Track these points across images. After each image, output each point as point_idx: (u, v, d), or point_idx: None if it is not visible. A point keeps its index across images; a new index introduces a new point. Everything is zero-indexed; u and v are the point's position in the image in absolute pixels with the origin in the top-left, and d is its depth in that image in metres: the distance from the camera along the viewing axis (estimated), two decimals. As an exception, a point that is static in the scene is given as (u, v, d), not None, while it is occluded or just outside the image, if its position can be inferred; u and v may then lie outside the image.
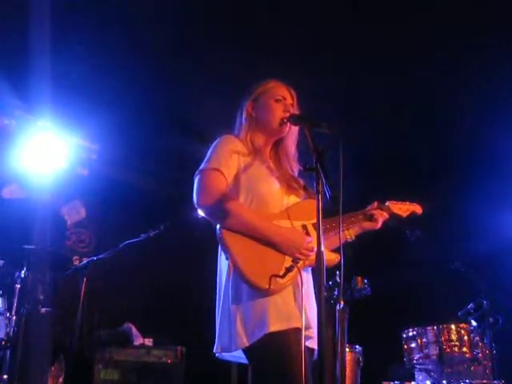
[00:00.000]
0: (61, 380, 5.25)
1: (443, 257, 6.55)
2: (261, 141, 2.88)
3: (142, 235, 4.96)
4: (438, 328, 4.97)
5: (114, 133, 5.96)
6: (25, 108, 5.69)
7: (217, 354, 2.61)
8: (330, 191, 2.29)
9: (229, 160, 2.71)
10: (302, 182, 2.92)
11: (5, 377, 4.58)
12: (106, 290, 6.11)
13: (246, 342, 2.46)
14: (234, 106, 3.02)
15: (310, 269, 2.76)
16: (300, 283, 2.58)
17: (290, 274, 2.55)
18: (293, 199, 2.82)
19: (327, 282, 4.24)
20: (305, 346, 2.47)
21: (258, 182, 2.74)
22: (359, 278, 4.52)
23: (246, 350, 2.50)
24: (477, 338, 4.97)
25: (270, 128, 2.88)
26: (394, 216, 3.20)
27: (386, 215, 3.07)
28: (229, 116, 3.02)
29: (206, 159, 2.74)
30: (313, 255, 2.59)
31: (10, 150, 5.77)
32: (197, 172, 2.71)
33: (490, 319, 5.11)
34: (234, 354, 2.57)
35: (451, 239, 6.98)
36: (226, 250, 2.57)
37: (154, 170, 6.69)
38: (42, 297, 5.09)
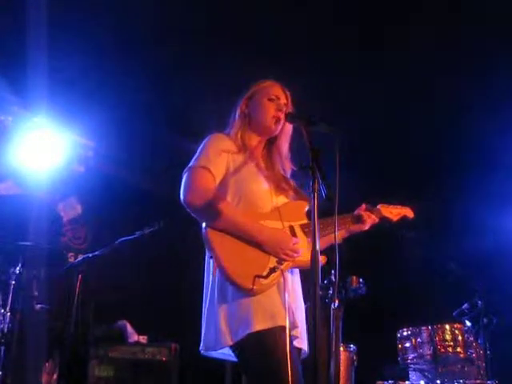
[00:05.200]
0: (55, 376, 5.24)
1: (438, 257, 6.57)
2: (252, 139, 2.89)
3: (138, 232, 4.96)
4: (432, 328, 4.98)
5: (110, 130, 5.95)
6: (21, 104, 5.68)
7: (202, 352, 2.62)
8: (325, 190, 2.29)
9: (218, 158, 2.71)
10: (292, 182, 2.92)
11: (-1, 373, 4.58)
12: (101, 286, 6.10)
13: (229, 341, 2.47)
14: (232, 104, 3.02)
15: (297, 270, 2.76)
16: (284, 284, 2.58)
17: (274, 275, 2.55)
18: (282, 199, 2.81)
19: (322, 281, 4.25)
20: (292, 345, 2.49)
21: (246, 182, 2.74)
22: (354, 278, 4.52)
23: (232, 349, 2.51)
24: (471, 339, 4.99)
25: (261, 126, 2.88)
26: (384, 219, 3.18)
27: (374, 218, 3.05)
28: (227, 114, 3.02)
29: (195, 157, 2.74)
30: (298, 256, 2.63)
31: (6, 147, 5.76)
32: (185, 169, 2.71)
33: (485, 320, 5.12)
34: (221, 351, 2.57)
35: (446, 240, 6.99)
36: (211, 250, 2.58)
37: (150, 167, 6.68)
38: (36, 293, 5.09)
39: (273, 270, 2.55)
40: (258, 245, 2.59)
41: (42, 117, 5.76)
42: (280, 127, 2.89)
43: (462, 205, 6.49)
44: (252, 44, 5.03)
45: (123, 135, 6.10)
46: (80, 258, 5.04)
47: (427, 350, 4.95)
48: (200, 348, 2.60)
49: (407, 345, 5.13)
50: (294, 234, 2.71)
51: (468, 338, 4.98)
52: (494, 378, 4.81)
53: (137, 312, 6.17)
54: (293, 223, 2.75)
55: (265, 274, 2.53)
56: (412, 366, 5.12)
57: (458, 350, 4.92)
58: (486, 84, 5.42)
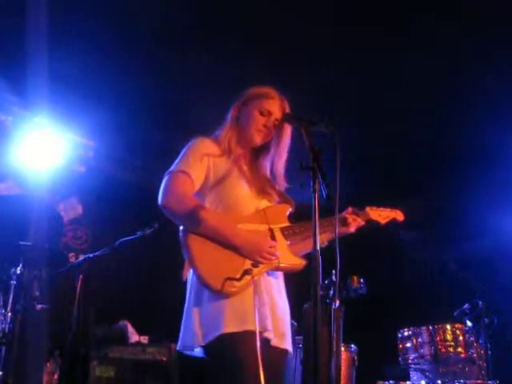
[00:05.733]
0: (56, 377, 5.24)
1: (439, 257, 6.57)
2: (238, 143, 2.89)
3: (139, 232, 4.96)
4: (433, 328, 4.98)
5: (111, 130, 5.95)
6: (21, 104, 5.67)
7: (179, 350, 2.66)
8: (326, 190, 2.30)
9: (198, 163, 2.74)
10: (278, 187, 2.93)
11: (0, 373, 4.58)
12: (101, 287, 6.10)
13: (201, 342, 2.51)
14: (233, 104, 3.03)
15: (279, 273, 2.77)
16: (259, 287, 2.60)
17: (248, 277, 2.56)
18: (264, 203, 2.82)
19: (323, 281, 4.24)
20: (269, 348, 2.53)
21: (227, 185, 2.76)
22: (355, 278, 4.52)
23: (203, 350, 2.56)
24: (472, 339, 4.99)
25: (246, 135, 2.88)
26: (372, 222, 3.16)
27: (360, 221, 3.02)
28: (227, 113, 3.02)
29: (176, 161, 2.78)
30: (275, 259, 2.64)
31: (6, 147, 5.76)
32: (166, 173, 2.75)
33: (486, 320, 5.12)
34: (199, 351, 2.62)
35: (447, 240, 6.99)
36: (186, 252, 2.61)
37: (151, 168, 6.68)
38: (37, 293, 5.09)
39: (246, 273, 2.56)
40: (233, 248, 2.60)
41: (43, 117, 5.76)
42: (262, 141, 2.89)
43: (463, 205, 6.50)
44: (252, 43, 5.03)
45: (124, 135, 6.10)
46: (81, 258, 5.05)
47: (428, 350, 4.95)
48: (177, 347, 2.65)
49: (408, 345, 5.13)
50: (273, 237, 2.72)
51: (469, 338, 4.98)
52: (495, 378, 4.80)
53: (137, 312, 6.17)
54: (273, 226, 2.76)
55: (238, 276, 2.54)
56: (413, 366, 5.12)
57: (459, 350, 4.92)
58: (486, 82, 5.41)
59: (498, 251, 6.52)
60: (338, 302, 4.34)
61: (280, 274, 2.79)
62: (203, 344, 2.51)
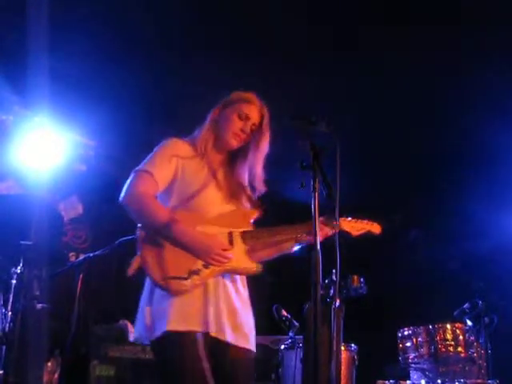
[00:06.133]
0: (56, 376, 5.25)
1: (439, 256, 6.57)
2: (214, 146, 2.91)
3: (139, 232, 4.95)
4: (433, 327, 4.98)
5: (111, 129, 5.95)
6: (22, 104, 5.68)
7: (132, 341, 2.75)
8: (326, 190, 2.30)
9: (165, 163, 2.77)
10: (250, 193, 2.95)
11: (0, 372, 4.58)
12: (102, 286, 6.10)
13: (150, 336, 2.59)
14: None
15: (237, 276, 2.79)
16: (212, 288, 2.64)
17: (196, 278, 2.59)
18: (230, 208, 2.84)
19: (323, 281, 4.24)
20: (228, 345, 2.59)
21: (194, 187, 2.78)
22: (355, 277, 4.53)
23: (150, 345, 2.65)
24: (472, 338, 4.99)
25: (222, 138, 2.90)
26: (343, 233, 3.14)
27: (327, 231, 2.95)
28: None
29: (144, 160, 2.81)
30: (227, 262, 2.66)
31: (6, 146, 5.76)
32: (132, 172, 2.80)
33: (486, 319, 5.12)
34: None
35: (447, 239, 6.99)
36: (139, 249, 2.69)
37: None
38: (37, 293, 5.09)
39: (194, 273, 2.60)
40: (184, 248, 2.63)
41: (43, 116, 5.76)
42: (238, 145, 2.90)
43: (464, 204, 6.49)
44: (252, 43, 5.03)
45: (124, 134, 6.10)
46: (81, 257, 5.05)
47: (428, 350, 4.95)
48: (132, 338, 2.74)
49: (408, 344, 5.13)
50: (230, 241, 2.74)
51: (469, 338, 4.98)
52: (495, 377, 4.80)
53: (137, 312, 6.16)
54: (233, 230, 2.78)
55: (184, 275, 2.58)
56: (413, 365, 5.12)
57: (459, 349, 4.93)
58: (487, 81, 5.41)
59: (499, 251, 6.51)
60: (338, 301, 4.36)
61: (239, 277, 2.81)
62: (151, 339, 2.58)
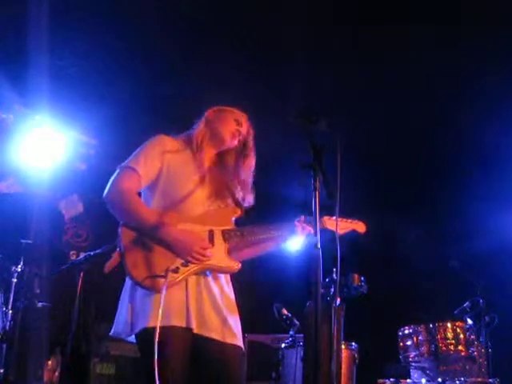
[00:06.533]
0: (57, 374, 5.25)
1: (440, 255, 6.57)
2: (207, 142, 2.96)
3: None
4: (433, 326, 4.98)
5: (112, 127, 5.95)
6: (23, 102, 5.68)
7: (112, 335, 2.76)
8: (327, 189, 2.30)
9: (149, 160, 2.82)
10: (236, 193, 2.98)
11: (1, 371, 4.58)
12: (102, 284, 6.09)
13: (130, 332, 2.63)
14: (234, 102, 3.10)
15: (221, 275, 2.80)
16: (190, 285, 2.66)
17: (174, 275, 2.60)
18: (214, 205, 2.86)
19: (324, 280, 4.24)
20: (213, 341, 2.61)
21: (179, 184, 2.81)
22: (356, 276, 4.53)
23: (135, 338, 2.66)
24: (472, 337, 4.99)
25: (219, 135, 2.97)
26: (327, 232, 3.15)
27: (310, 230, 2.96)
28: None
29: (129, 157, 2.87)
30: (206, 260, 2.67)
31: (7, 144, 5.76)
32: (117, 167, 2.84)
33: (486, 318, 5.12)
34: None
35: (448, 238, 6.99)
36: (119, 245, 2.68)
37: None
38: (38, 291, 5.10)
39: (172, 271, 2.60)
40: (164, 245, 2.65)
41: (44, 115, 5.76)
42: (234, 143, 2.99)
43: (465, 203, 6.49)
44: (252, 43, 5.03)
45: (125, 133, 6.10)
46: (82, 255, 5.05)
47: (429, 348, 4.96)
48: (111, 332, 2.74)
49: (408, 343, 5.13)
50: (211, 239, 2.75)
51: (469, 336, 4.98)
52: (496, 376, 4.81)
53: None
54: (215, 228, 2.79)
55: (161, 273, 2.59)
56: (413, 364, 5.12)
57: (460, 348, 4.93)
58: (488, 81, 5.41)
59: (500, 249, 6.52)
60: (338, 300, 4.37)
61: (223, 275, 2.83)
62: (131, 334, 2.62)
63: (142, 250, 2.64)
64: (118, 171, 2.82)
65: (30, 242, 5.06)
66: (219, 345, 2.64)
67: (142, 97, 5.70)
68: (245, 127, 3.02)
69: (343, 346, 4.67)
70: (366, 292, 4.57)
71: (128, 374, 5.28)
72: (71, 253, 6.00)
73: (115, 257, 2.72)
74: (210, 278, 2.74)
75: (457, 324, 5.02)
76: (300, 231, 2.99)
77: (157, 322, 2.50)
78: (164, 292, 2.54)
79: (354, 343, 4.93)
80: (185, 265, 2.64)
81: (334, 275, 4.33)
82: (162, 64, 5.35)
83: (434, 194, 6.89)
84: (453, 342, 4.94)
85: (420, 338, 5.03)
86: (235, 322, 2.76)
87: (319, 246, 2.31)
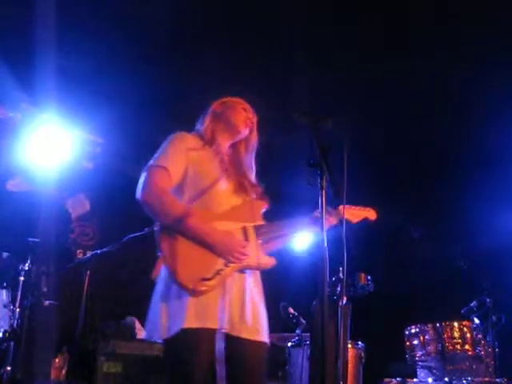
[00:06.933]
0: (64, 372, 5.27)
1: (447, 255, 6.56)
2: (220, 134, 2.96)
3: (146, 229, 4.97)
4: (440, 325, 4.97)
5: (119, 126, 5.96)
6: (30, 101, 5.69)
7: (145, 338, 2.73)
8: (334, 188, 2.31)
9: (177, 158, 2.78)
10: (256, 183, 2.99)
11: (8, 368, 4.60)
12: (109, 283, 6.12)
13: (164, 335, 2.56)
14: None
15: (250, 271, 2.79)
16: (236, 285, 2.66)
17: (219, 277, 2.59)
18: (240, 200, 2.86)
19: (330, 279, 4.24)
20: (244, 340, 2.60)
21: (206, 180, 2.78)
22: (362, 275, 4.53)
23: (164, 343, 2.61)
24: (479, 336, 4.98)
25: (232, 126, 2.98)
26: (343, 221, 3.16)
27: (332, 220, 3.00)
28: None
29: (155, 156, 2.80)
30: (246, 259, 2.67)
31: (14, 143, 5.78)
32: (144, 168, 2.78)
33: (493, 317, 5.11)
34: None
35: (455, 237, 6.97)
36: (160, 249, 2.63)
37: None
38: (45, 289, 5.11)
39: (218, 273, 2.60)
40: (207, 247, 2.63)
41: (51, 113, 5.77)
42: (246, 133, 3.00)
43: (471, 203, 6.47)
44: (254, 41, 5.03)
45: (131, 132, 6.11)
46: (88, 254, 5.06)
47: (435, 348, 4.95)
48: (145, 335, 2.71)
49: (415, 342, 5.12)
50: (245, 236, 2.75)
51: (476, 336, 4.97)
52: (503, 375, 4.80)
53: (145, 308, 6.18)
54: (247, 224, 2.78)
55: (209, 276, 2.58)
56: (420, 363, 5.12)
57: (467, 347, 4.92)
58: (491, 81, 5.39)
59: (507, 249, 6.50)
60: (345, 299, 4.37)
61: (254, 271, 2.82)
62: (166, 337, 2.55)
63: (184, 251, 2.61)
64: (147, 171, 2.76)
65: (37, 240, 5.06)
66: (247, 343, 2.63)
67: (149, 96, 5.71)
68: (250, 113, 3.03)
69: (350, 345, 4.68)
70: (373, 291, 4.57)
71: (135, 372, 5.28)
72: (78, 251, 6.01)
73: (160, 262, 2.68)
74: (245, 276, 2.74)
75: (464, 323, 5.01)
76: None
77: (193, 323, 2.50)
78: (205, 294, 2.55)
79: (360, 342, 4.93)
80: (227, 265, 2.63)
81: (341, 274, 4.33)
82: (169, 63, 5.35)
83: (440, 193, 6.87)
84: (459, 341, 4.93)
85: (427, 337, 5.02)
86: (264, 318, 2.76)
87: (325, 244, 2.32)
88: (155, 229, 2.68)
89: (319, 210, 3.02)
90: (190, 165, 2.79)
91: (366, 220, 3.26)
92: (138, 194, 2.73)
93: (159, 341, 2.63)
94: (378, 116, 5.95)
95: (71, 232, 6.49)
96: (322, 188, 2.35)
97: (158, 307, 2.64)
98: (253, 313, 2.69)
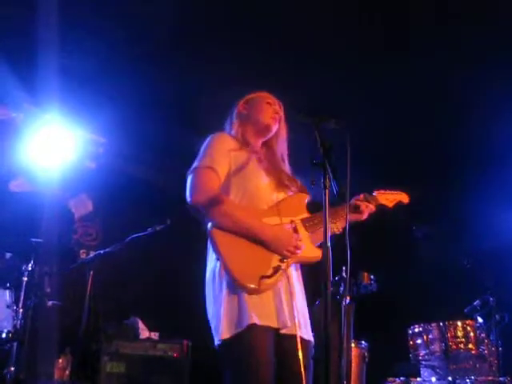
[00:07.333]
0: (67, 372, 5.27)
1: (450, 254, 6.55)
2: (251, 136, 2.96)
3: (149, 229, 4.98)
4: (444, 324, 4.97)
5: (121, 126, 5.96)
6: (32, 101, 5.69)
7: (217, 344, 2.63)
8: (337, 187, 2.31)
9: (221, 157, 2.78)
10: (294, 177, 2.98)
11: (12, 369, 4.60)
12: (112, 283, 6.12)
13: (227, 334, 2.50)
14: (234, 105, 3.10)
15: (297, 265, 2.79)
16: (287, 281, 2.64)
17: (277, 275, 2.59)
18: (282, 195, 2.86)
19: (333, 278, 4.24)
20: (299, 338, 2.55)
21: (249, 178, 2.79)
22: (365, 274, 4.53)
23: (222, 343, 2.53)
24: (483, 335, 4.97)
25: (260, 125, 2.98)
26: (381, 207, 3.19)
27: (372, 207, 3.07)
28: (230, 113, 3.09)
29: (198, 157, 2.81)
30: (300, 253, 2.66)
31: (17, 144, 5.78)
32: (190, 170, 2.77)
33: (497, 316, 5.11)
34: None
35: (458, 236, 6.96)
36: (216, 250, 2.62)
37: (161, 164, 6.69)
38: (48, 290, 5.11)
39: (276, 270, 2.59)
40: (261, 243, 2.63)
41: (53, 114, 5.77)
42: (277, 128, 3.00)
43: (475, 201, 6.46)
44: (256, 39, 5.03)
45: (134, 132, 6.11)
46: (91, 254, 5.08)
47: (439, 347, 4.94)
48: (216, 342, 2.60)
49: (419, 341, 5.12)
50: (295, 230, 2.75)
51: (480, 335, 4.96)
52: (507, 374, 4.79)
53: (148, 308, 6.19)
54: (294, 218, 2.79)
55: (269, 273, 2.57)
56: (423, 362, 5.11)
57: (470, 346, 4.91)
58: (493, 80, 5.39)
59: (510, 248, 6.49)
60: (348, 298, 4.36)
61: (298, 266, 2.81)
62: (229, 336, 2.50)
63: (240, 250, 2.60)
64: (194, 173, 2.75)
65: (40, 240, 5.07)
66: (301, 342, 2.60)
67: (151, 95, 5.71)
68: (276, 104, 3.02)
69: (353, 345, 4.67)
70: (376, 290, 4.57)
71: (138, 372, 5.29)
72: (81, 251, 6.03)
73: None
74: (293, 270, 2.73)
75: (467, 322, 5.00)
76: (365, 210, 3.04)
77: (256, 320, 2.47)
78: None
79: (363, 341, 4.93)
80: (282, 261, 2.63)
81: (344, 273, 4.33)
82: (172, 63, 5.35)
83: (443, 192, 6.86)
84: (463, 340, 4.92)
85: (430, 336, 5.02)
86: (307, 315, 2.75)
87: (329, 244, 2.32)
88: (207, 229, 2.67)
89: (357, 197, 3.07)
90: (232, 165, 2.80)
91: (400, 203, 3.29)
92: (189, 196, 2.71)
93: (217, 343, 2.56)
94: (378, 116, 5.94)
95: (74, 232, 6.49)
96: (325, 187, 2.35)
97: (216, 309, 2.60)
98: (301, 311, 2.68)
